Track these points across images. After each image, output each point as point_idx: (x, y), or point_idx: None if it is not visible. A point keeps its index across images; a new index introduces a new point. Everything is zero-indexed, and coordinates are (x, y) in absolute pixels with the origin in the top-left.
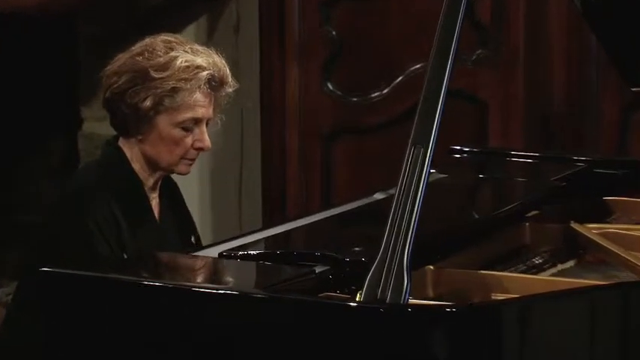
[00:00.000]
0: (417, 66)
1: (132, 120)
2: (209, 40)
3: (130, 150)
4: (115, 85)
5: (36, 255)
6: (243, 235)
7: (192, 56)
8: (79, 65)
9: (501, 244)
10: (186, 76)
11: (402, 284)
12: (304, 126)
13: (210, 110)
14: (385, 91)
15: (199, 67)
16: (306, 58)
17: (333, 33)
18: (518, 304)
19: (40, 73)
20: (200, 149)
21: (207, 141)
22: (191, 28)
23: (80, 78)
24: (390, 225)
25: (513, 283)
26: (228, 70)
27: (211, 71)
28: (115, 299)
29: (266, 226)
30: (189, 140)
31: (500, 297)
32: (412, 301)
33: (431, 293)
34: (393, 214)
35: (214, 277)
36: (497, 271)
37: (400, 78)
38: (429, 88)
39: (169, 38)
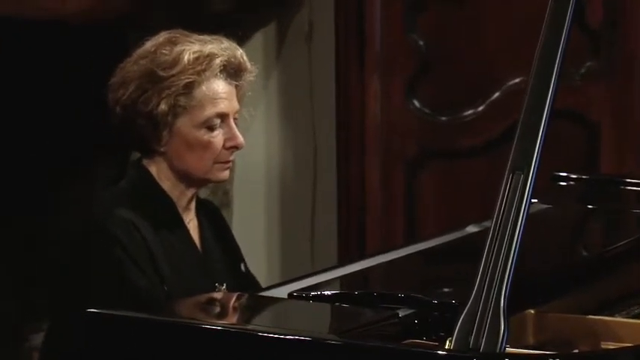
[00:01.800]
0: (517, 80)
1: (150, 131)
2: (278, 50)
3: (157, 168)
4: (124, 97)
5: (64, 293)
6: (315, 273)
7: (200, 46)
8: None
9: (613, 285)
10: (199, 67)
11: (499, 330)
12: (386, 149)
13: (234, 102)
14: (480, 109)
15: (210, 55)
16: (389, 71)
17: (420, 42)
18: (633, 354)
19: (86, 87)
20: (233, 148)
21: (239, 137)
22: (258, 37)
23: None
24: (485, 262)
25: (627, 329)
26: (244, 55)
27: (225, 57)
28: (170, 343)
29: (342, 263)
30: (218, 141)
31: (612, 346)
32: (510, 349)
33: (531, 341)
34: (489, 250)
35: (283, 320)
36: (608, 315)
37: (497, 94)
38: (529, 106)
39: (172, 34)
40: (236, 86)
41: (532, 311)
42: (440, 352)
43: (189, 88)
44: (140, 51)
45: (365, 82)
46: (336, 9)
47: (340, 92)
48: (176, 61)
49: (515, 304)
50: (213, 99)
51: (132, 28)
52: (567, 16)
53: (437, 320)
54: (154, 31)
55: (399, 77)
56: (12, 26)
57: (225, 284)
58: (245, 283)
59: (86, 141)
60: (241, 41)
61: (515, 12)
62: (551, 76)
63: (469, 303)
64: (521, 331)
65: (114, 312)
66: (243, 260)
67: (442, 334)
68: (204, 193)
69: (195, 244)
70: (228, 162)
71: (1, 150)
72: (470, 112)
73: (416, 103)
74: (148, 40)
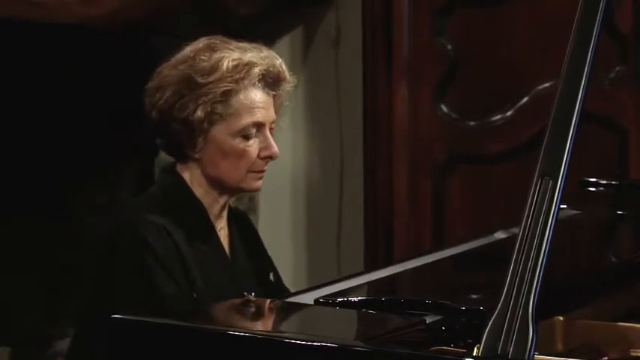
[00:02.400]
0: (546, 85)
1: (185, 137)
2: (305, 55)
3: (190, 174)
4: (161, 101)
5: (90, 298)
6: (342, 279)
7: (240, 54)
8: None
9: None
10: (237, 75)
11: (527, 337)
12: (414, 154)
13: (271, 112)
14: (508, 113)
15: (250, 64)
16: (417, 75)
17: (448, 46)
18: None
19: (110, 91)
20: (268, 158)
21: (274, 147)
22: (284, 41)
23: None
24: (513, 269)
25: None
26: (283, 64)
27: (264, 66)
28: (196, 350)
29: (369, 270)
30: (253, 150)
31: None
32: (538, 356)
33: (560, 348)
34: (517, 256)
35: (309, 326)
36: (638, 322)
37: (526, 99)
38: (558, 111)
39: (212, 40)
40: (274, 96)
41: (561, 318)
42: (467, 359)
43: (227, 96)
44: (179, 56)
45: (392, 86)
46: (364, 13)
47: (367, 97)
48: (215, 68)
49: (544, 311)
50: (250, 108)
51: (157, 32)
52: (597, 19)
53: (464, 327)
54: (179, 36)
55: (427, 82)
56: (37, 30)
57: (253, 293)
58: (274, 292)
59: (107, 145)
60: (267, 45)
61: (545, 16)
62: (581, 81)
63: (497, 309)
64: (550, 338)
65: (139, 318)
66: (273, 269)
67: (470, 340)
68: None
69: (225, 252)
70: (262, 172)
71: (19, 154)
72: (498, 116)
73: (444, 107)
74: (187, 45)
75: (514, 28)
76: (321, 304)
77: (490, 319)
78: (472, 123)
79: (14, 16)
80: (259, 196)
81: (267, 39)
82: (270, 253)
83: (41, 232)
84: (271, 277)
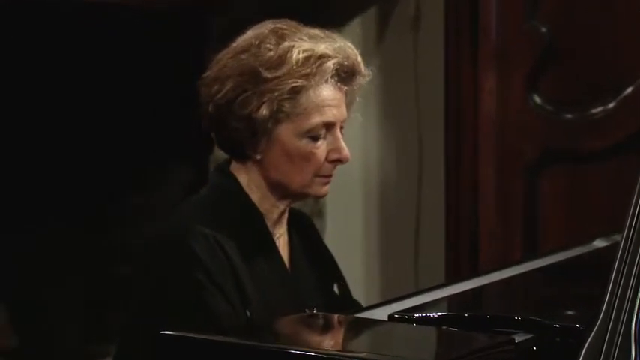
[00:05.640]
0: None
1: (246, 136)
2: (379, 39)
3: (247, 176)
4: (219, 95)
5: (135, 313)
6: (420, 292)
7: (312, 44)
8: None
9: None
10: (308, 70)
11: (629, 358)
12: (503, 151)
13: (343, 109)
14: (610, 105)
15: (323, 57)
16: (506, 62)
17: (543, 30)
18: None
19: (158, 79)
20: (337, 162)
21: (344, 150)
22: (356, 24)
23: None
24: (614, 281)
25: None
26: (359, 56)
27: (338, 59)
28: None
29: (450, 281)
30: (321, 152)
31: None
32: None
33: None
34: (618, 267)
35: (382, 345)
36: None
37: (630, 89)
38: None
39: (279, 25)
40: (346, 91)
41: None
42: None
43: (295, 92)
44: (240, 42)
45: (479, 75)
46: None
47: (450, 87)
48: (282, 60)
49: None
50: (321, 107)
51: (216, 13)
52: None
53: (559, 346)
54: (240, 18)
55: (518, 70)
56: (86, 9)
57: (315, 309)
58: (338, 305)
59: (155, 141)
60: (336, 29)
61: None
62: None
63: (596, 327)
64: None
65: (190, 334)
66: (339, 280)
67: None
68: None
69: (284, 263)
70: (329, 176)
71: (54, 152)
72: (599, 109)
73: (537, 99)
74: (249, 29)
75: (618, 9)
76: (396, 319)
77: (588, 338)
78: (569, 116)
79: None
80: (327, 199)
81: (336, 22)
82: (339, 262)
83: (80, 241)
84: (335, 288)
